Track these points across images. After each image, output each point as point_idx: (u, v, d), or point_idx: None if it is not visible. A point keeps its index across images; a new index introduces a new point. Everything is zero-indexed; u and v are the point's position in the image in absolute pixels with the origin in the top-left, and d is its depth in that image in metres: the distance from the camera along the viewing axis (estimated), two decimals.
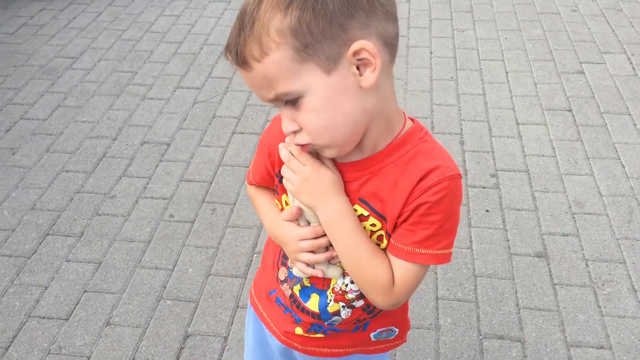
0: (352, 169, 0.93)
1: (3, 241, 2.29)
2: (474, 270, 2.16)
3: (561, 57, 3.42)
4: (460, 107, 3.04)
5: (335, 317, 1.06)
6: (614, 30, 3.68)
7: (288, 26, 0.77)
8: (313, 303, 1.06)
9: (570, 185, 2.52)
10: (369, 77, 0.81)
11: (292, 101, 0.82)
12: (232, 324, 1.98)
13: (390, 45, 0.84)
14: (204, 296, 2.07)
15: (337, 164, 0.94)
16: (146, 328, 1.97)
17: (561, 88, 3.15)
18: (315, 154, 0.93)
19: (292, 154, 0.93)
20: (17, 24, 3.89)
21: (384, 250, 0.95)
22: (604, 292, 2.07)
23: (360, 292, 1.01)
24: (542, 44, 3.56)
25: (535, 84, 3.19)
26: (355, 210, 0.94)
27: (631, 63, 3.35)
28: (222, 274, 2.15)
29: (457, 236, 2.23)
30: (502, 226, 2.34)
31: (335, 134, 0.84)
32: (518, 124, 2.91)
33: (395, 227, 0.93)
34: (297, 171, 0.92)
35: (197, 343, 1.92)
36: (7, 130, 2.90)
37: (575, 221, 2.35)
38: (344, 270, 1.00)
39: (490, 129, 2.87)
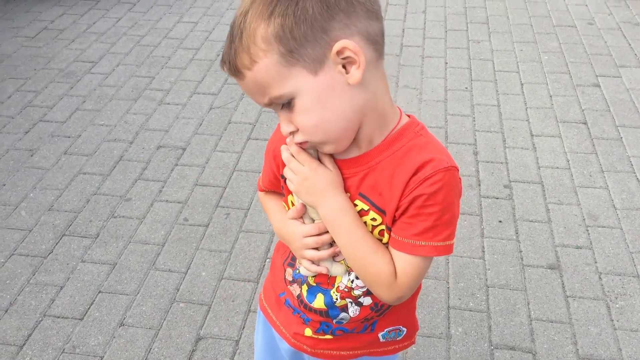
0: (350, 165, 0.96)
1: (20, 241, 2.33)
2: (486, 280, 2.16)
3: (577, 69, 3.42)
4: (474, 117, 3.04)
5: (343, 314, 1.07)
6: (630, 44, 3.67)
7: (272, 33, 0.82)
8: (319, 302, 1.08)
9: (585, 198, 2.52)
10: (355, 74, 0.85)
11: (286, 104, 0.87)
12: (244, 327, 1.99)
13: (374, 42, 0.87)
14: (217, 299, 2.09)
15: (337, 161, 0.97)
16: (159, 330, 1.99)
17: (576, 101, 3.15)
18: (316, 151, 0.96)
19: (292, 155, 0.97)
20: (38, 27, 3.95)
21: (386, 244, 0.97)
22: (617, 306, 2.06)
23: (367, 289, 1.03)
24: (558, 56, 3.56)
25: (551, 96, 3.19)
26: (356, 205, 0.96)
27: None
28: (235, 278, 2.17)
29: (470, 246, 2.24)
30: (515, 237, 2.34)
31: (329, 131, 0.88)
32: (532, 135, 2.91)
33: (394, 221, 0.95)
34: (297, 171, 0.96)
35: (209, 346, 1.94)
36: (26, 132, 2.95)
37: (589, 234, 2.34)
38: (349, 267, 1.03)
39: (505, 140, 2.88)
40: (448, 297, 2.10)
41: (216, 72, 3.44)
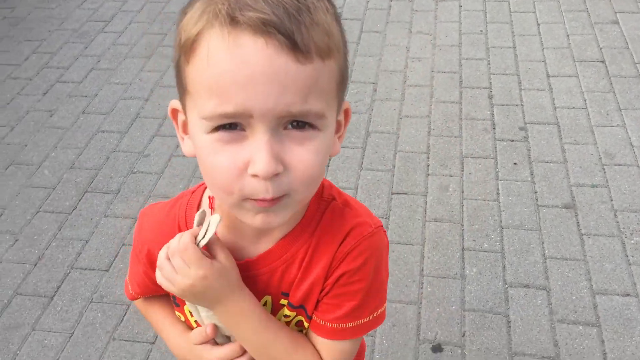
0: (267, 261, 0.78)
1: (45, 198, 2.40)
2: (501, 222, 2.17)
3: (595, 7, 3.33)
4: (489, 60, 3.00)
5: None
6: None
7: (340, 41, 0.65)
8: None
9: (601, 137, 2.49)
10: (337, 144, 0.72)
11: (309, 125, 0.63)
12: None
13: None
14: None
15: (247, 261, 0.78)
16: None
17: (594, 39, 3.08)
18: (206, 239, 0.74)
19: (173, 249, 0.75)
20: None
21: (306, 332, 0.83)
22: (632, 242, 2.06)
23: None
24: None
25: (568, 36, 3.13)
26: (282, 306, 0.81)
27: None
28: None
29: (484, 189, 2.25)
30: (530, 178, 2.34)
31: (312, 190, 0.69)
32: (549, 76, 2.86)
33: (317, 301, 0.80)
34: (180, 271, 0.74)
35: None
36: (44, 93, 3.00)
37: (605, 172, 2.33)
38: None
39: (520, 82, 2.84)
40: (462, 239, 2.12)
41: None
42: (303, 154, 0.63)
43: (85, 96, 2.96)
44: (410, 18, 3.36)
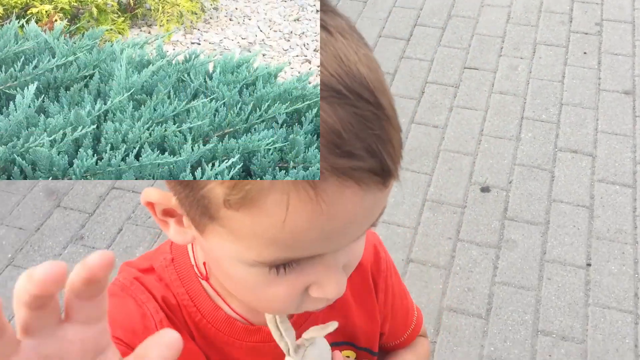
0: (318, 319, 0.66)
1: None
2: (562, 99, 2.38)
3: None
4: None
5: None
6: None
7: None
8: None
9: None
10: None
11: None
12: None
13: None
14: None
15: (310, 315, 0.67)
16: None
17: None
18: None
19: None
20: None
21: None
22: None
23: None
24: None
25: None
26: (348, 357, 0.74)
27: None
28: None
29: (551, 72, 2.47)
30: (596, 67, 2.51)
31: None
32: None
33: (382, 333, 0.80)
34: None
35: None
36: None
37: None
38: None
39: None
40: (523, 110, 2.35)
41: None
42: (358, 249, 0.55)
43: None
44: None
